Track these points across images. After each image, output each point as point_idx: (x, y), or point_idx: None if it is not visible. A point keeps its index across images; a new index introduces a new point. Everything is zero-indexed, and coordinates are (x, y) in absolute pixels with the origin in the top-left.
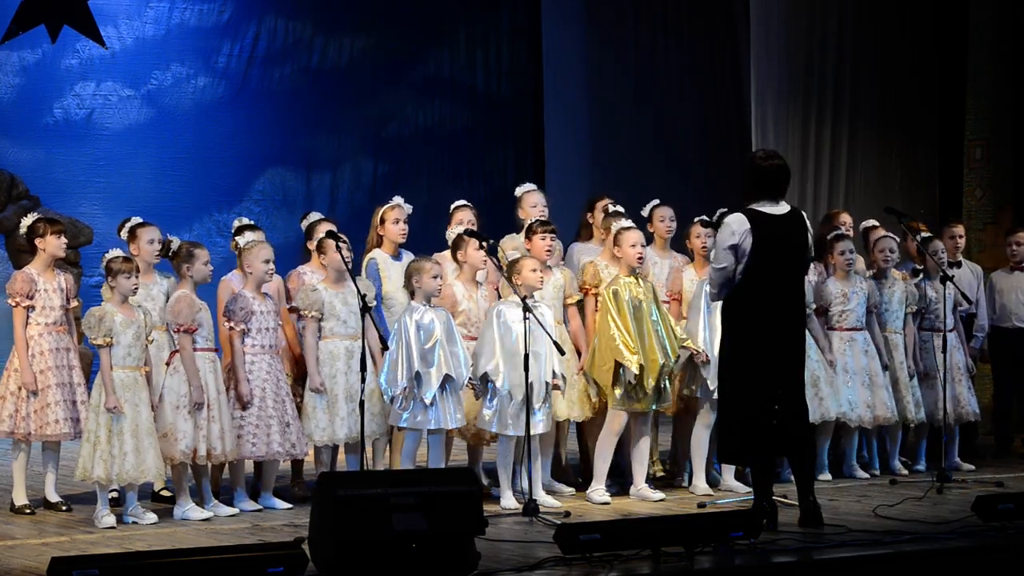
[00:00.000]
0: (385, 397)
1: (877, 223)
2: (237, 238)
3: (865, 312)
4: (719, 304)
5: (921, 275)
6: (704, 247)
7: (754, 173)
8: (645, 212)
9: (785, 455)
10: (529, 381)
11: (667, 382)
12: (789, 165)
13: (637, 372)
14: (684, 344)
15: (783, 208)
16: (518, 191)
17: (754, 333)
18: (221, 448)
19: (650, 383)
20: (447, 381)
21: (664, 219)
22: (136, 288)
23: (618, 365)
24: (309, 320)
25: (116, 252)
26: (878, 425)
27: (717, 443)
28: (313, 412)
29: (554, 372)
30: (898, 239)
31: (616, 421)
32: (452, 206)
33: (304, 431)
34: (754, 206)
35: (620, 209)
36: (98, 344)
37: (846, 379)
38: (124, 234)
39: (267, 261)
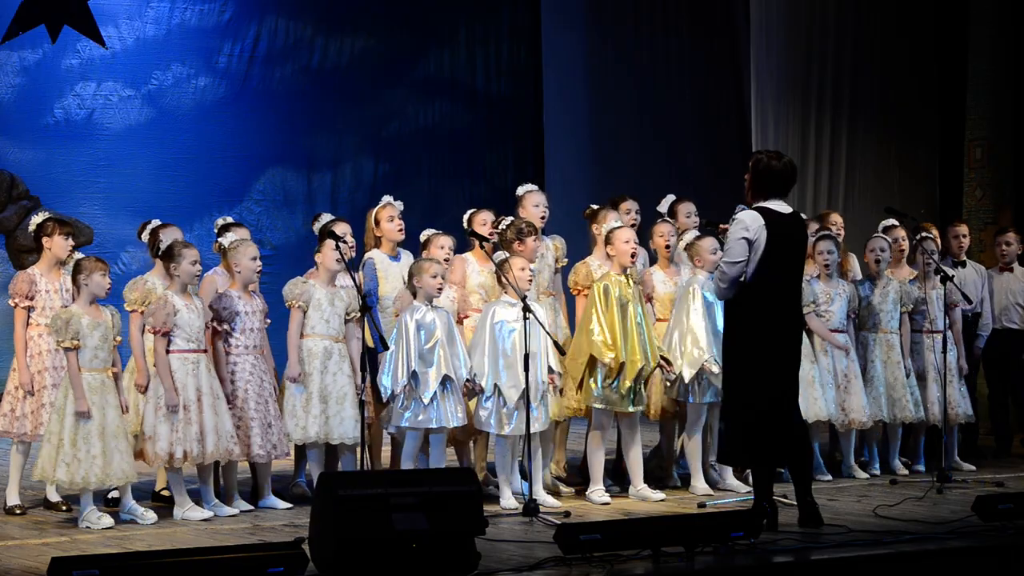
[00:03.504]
0: (383, 395)
1: (896, 222)
2: (220, 239)
3: (846, 315)
4: (712, 305)
5: (915, 276)
6: (668, 247)
7: (767, 173)
8: (663, 208)
9: (787, 459)
10: (524, 384)
11: (643, 385)
12: None
13: (612, 366)
14: (663, 355)
15: (788, 208)
16: (520, 191)
17: (763, 334)
18: (199, 449)
19: (626, 384)
20: (446, 381)
21: (690, 215)
22: (110, 288)
23: (593, 361)
24: (295, 310)
25: (78, 254)
26: (849, 428)
27: (720, 444)
28: (293, 411)
29: (551, 368)
30: (889, 240)
31: (598, 420)
32: (470, 212)
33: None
34: (764, 205)
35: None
36: (65, 347)
37: (827, 380)
38: (145, 236)
39: (254, 259)
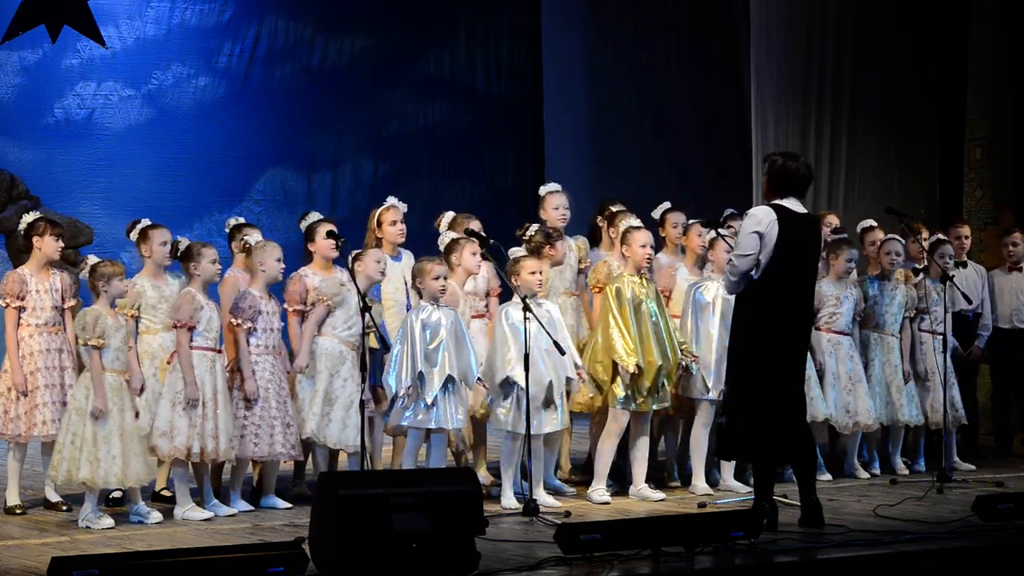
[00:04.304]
0: (388, 394)
1: (875, 223)
2: (246, 237)
3: (852, 317)
4: (708, 307)
5: (921, 275)
6: (703, 246)
7: (783, 173)
8: (656, 215)
9: (792, 457)
10: (548, 379)
11: (666, 383)
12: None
13: (634, 371)
14: (684, 349)
15: (803, 209)
16: (542, 190)
17: (771, 332)
18: (214, 446)
19: (645, 384)
20: (449, 382)
21: (677, 225)
22: (126, 291)
23: (616, 364)
24: (323, 306)
25: (93, 258)
26: (855, 431)
27: (721, 440)
28: (300, 405)
29: (576, 365)
30: (903, 240)
31: (617, 421)
32: (448, 216)
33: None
34: (779, 202)
35: (621, 209)
36: (92, 345)
37: (832, 382)
38: (134, 235)
39: (279, 260)
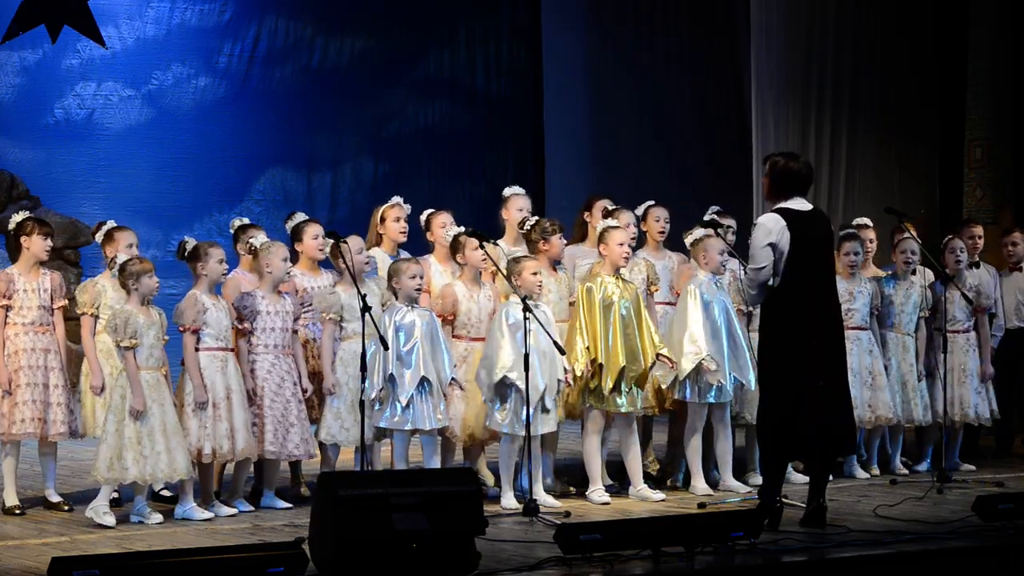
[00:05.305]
0: (364, 396)
1: (869, 222)
2: (252, 239)
3: (869, 312)
4: (714, 305)
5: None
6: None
7: (785, 174)
8: (639, 211)
9: (802, 455)
10: (544, 381)
11: (634, 385)
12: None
13: (582, 372)
14: (660, 353)
15: (808, 205)
16: (506, 192)
17: (799, 334)
18: (229, 447)
19: (607, 384)
20: (424, 382)
21: (659, 219)
22: (158, 287)
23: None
24: (327, 322)
25: (122, 256)
26: (879, 425)
27: (760, 446)
28: (338, 413)
29: (565, 368)
30: (920, 241)
31: (591, 419)
32: (427, 213)
33: (328, 430)
34: (784, 205)
35: (615, 207)
36: (125, 346)
37: (852, 380)
38: (99, 237)
39: (286, 260)
